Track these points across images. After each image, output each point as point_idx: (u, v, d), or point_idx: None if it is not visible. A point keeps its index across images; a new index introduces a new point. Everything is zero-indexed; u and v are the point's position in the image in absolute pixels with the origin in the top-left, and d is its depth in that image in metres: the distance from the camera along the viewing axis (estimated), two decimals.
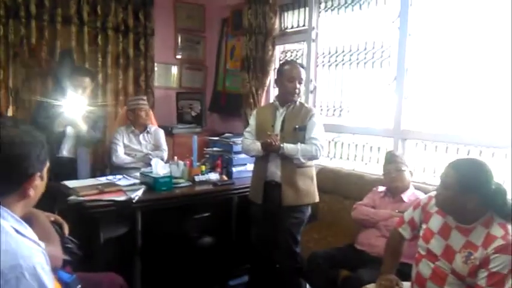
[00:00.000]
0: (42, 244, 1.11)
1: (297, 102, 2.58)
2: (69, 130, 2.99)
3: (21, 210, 1.08)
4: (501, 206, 1.60)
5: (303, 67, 2.60)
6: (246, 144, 2.65)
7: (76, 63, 3.57)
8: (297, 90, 2.52)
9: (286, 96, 2.55)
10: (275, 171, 2.53)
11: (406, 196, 2.39)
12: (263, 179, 2.57)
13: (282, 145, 2.41)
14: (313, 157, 2.50)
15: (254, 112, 2.79)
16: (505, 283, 1.50)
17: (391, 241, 1.99)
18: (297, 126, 2.50)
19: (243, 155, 3.11)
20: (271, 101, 3.84)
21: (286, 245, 2.54)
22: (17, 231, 1.02)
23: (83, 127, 2.92)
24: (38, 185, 1.10)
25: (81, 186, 2.61)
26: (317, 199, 2.63)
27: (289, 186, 2.49)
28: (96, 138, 3.12)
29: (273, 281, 2.66)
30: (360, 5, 3.14)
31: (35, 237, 1.10)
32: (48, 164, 1.14)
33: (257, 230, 2.68)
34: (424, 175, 2.76)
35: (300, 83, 2.53)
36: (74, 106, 2.89)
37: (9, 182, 1.04)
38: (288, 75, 2.51)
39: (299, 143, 2.45)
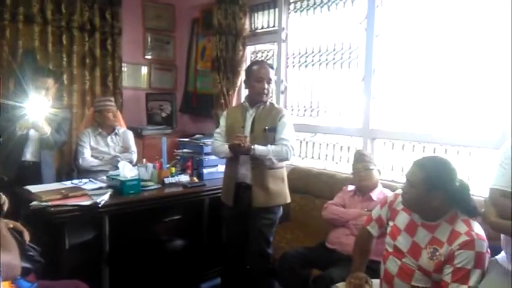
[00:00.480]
0: None
1: (267, 103, 2.57)
2: (32, 133, 2.89)
3: None
4: (465, 202, 1.65)
5: (271, 67, 2.58)
6: (215, 146, 2.60)
7: (39, 64, 3.44)
8: (265, 91, 2.50)
9: (256, 97, 2.53)
10: (246, 173, 2.50)
11: (374, 194, 2.43)
12: (234, 181, 2.54)
13: (252, 147, 2.37)
14: (284, 158, 2.48)
15: (224, 113, 2.74)
16: (469, 278, 1.53)
17: (360, 239, 2.02)
18: (266, 128, 2.47)
19: (213, 157, 3.07)
20: (242, 101, 3.86)
21: (258, 247, 2.52)
22: None
23: (46, 129, 2.82)
24: None
25: (45, 191, 2.52)
26: (288, 200, 2.62)
27: (259, 187, 2.47)
28: (60, 141, 3.03)
29: (245, 283, 2.64)
30: (328, 7, 3.17)
31: None
32: None
33: (229, 232, 2.65)
34: (392, 173, 2.81)
35: (268, 83, 2.51)
36: (37, 108, 2.79)
37: None
38: (256, 76, 2.50)
39: (269, 145, 2.43)
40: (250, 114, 2.55)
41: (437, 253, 1.61)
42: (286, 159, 2.50)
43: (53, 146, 2.99)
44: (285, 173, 2.62)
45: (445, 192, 1.61)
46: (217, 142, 2.59)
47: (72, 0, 3.63)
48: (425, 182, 1.62)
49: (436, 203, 1.62)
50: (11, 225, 1.64)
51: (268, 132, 2.47)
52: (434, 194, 1.61)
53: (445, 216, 1.65)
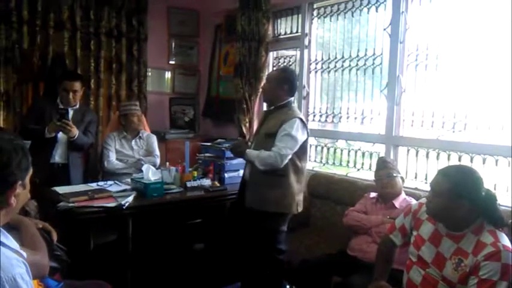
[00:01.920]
0: (24, 253, 1.09)
1: (285, 108, 2.48)
2: (61, 135, 2.97)
3: (3, 219, 1.06)
4: (491, 212, 1.61)
5: (283, 70, 2.78)
6: None
7: (68, 68, 3.55)
8: (262, 89, 2.64)
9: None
10: (247, 172, 2.58)
11: (397, 202, 2.40)
12: (242, 179, 2.65)
13: (246, 151, 2.42)
14: (272, 165, 2.33)
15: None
16: None
17: (382, 247, 1.99)
18: (266, 133, 2.47)
19: (235, 161, 3.11)
20: (264, 106, 3.88)
21: (264, 252, 2.49)
22: None
23: (75, 132, 2.90)
24: (20, 194, 1.08)
25: (72, 192, 2.59)
26: (289, 210, 2.47)
27: (252, 188, 2.49)
28: (87, 143, 3.12)
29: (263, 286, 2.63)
30: (352, 13, 3.16)
31: (16, 246, 1.08)
32: (31, 172, 1.12)
33: (239, 231, 2.67)
34: (416, 181, 2.76)
35: (268, 82, 2.58)
36: (65, 111, 2.88)
37: None
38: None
39: (262, 150, 2.38)
40: (264, 117, 2.62)
41: (462, 264, 1.58)
42: (274, 166, 2.34)
43: (80, 148, 3.08)
44: (287, 182, 2.44)
45: (470, 202, 1.58)
46: None
47: (101, 7, 3.74)
48: (451, 192, 1.59)
49: (461, 213, 1.60)
50: (40, 226, 1.69)
51: (266, 137, 2.44)
52: (459, 203, 1.58)
53: (470, 227, 1.62)
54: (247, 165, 2.60)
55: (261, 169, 2.36)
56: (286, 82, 2.48)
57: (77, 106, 3.09)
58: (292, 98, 2.56)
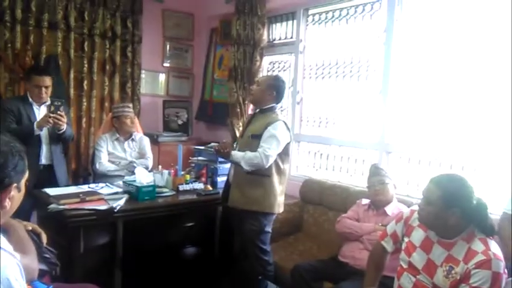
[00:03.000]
0: (17, 255, 1.08)
1: (269, 112, 2.55)
2: (43, 135, 2.91)
3: None
4: (482, 220, 1.63)
5: (273, 76, 2.80)
6: None
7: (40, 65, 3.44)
8: (251, 92, 2.67)
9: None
10: (231, 173, 2.62)
11: (389, 209, 2.41)
12: (227, 180, 2.69)
13: (232, 152, 2.45)
14: (258, 165, 2.40)
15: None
16: None
17: (374, 254, 2.00)
18: (251, 134, 2.53)
19: (228, 165, 3.10)
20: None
21: (249, 251, 2.56)
22: None
23: (64, 125, 2.85)
24: (15, 197, 1.07)
25: (62, 194, 2.57)
26: (271, 210, 2.52)
27: (236, 188, 2.54)
28: (72, 134, 3.12)
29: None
30: (347, 20, 3.18)
31: (9, 248, 1.06)
32: (27, 175, 1.12)
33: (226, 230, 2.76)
34: (408, 188, 2.78)
35: (257, 85, 2.63)
36: (61, 103, 2.82)
37: None
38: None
39: (248, 151, 2.43)
40: (249, 120, 2.68)
41: (453, 271, 1.59)
42: (261, 166, 2.40)
43: (67, 141, 3.06)
44: (270, 182, 2.50)
45: (462, 210, 1.59)
46: None
47: (95, 8, 3.72)
48: (442, 200, 1.60)
49: (453, 221, 1.61)
50: (30, 228, 1.66)
51: (251, 138, 2.51)
52: (451, 211, 1.59)
53: (462, 234, 1.63)
54: (231, 166, 2.66)
55: (247, 169, 2.41)
56: (275, 89, 2.57)
57: (48, 101, 2.96)
58: (276, 105, 2.63)
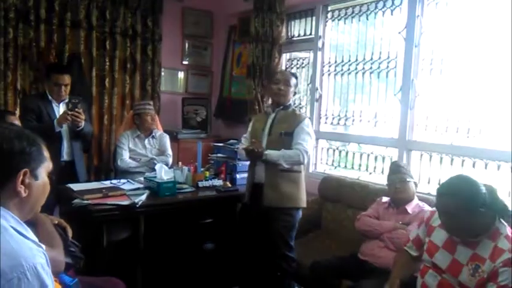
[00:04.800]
0: (43, 245, 1.11)
1: (290, 109, 2.63)
2: (64, 132, 2.96)
3: (19, 211, 1.04)
4: (497, 204, 1.61)
5: (294, 75, 2.70)
6: (239, 149, 2.78)
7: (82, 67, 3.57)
8: (281, 92, 2.57)
9: (273, 98, 2.67)
10: (261, 174, 2.59)
11: (410, 207, 2.38)
12: (251, 181, 2.66)
13: (265, 152, 2.44)
14: (297, 162, 2.49)
15: (252, 118, 2.89)
16: None
17: (398, 260, 1.98)
18: (282, 132, 2.53)
19: (247, 162, 3.11)
20: None
21: (278, 249, 2.55)
22: (17, 231, 1.01)
23: (82, 121, 2.90)
24: (33, 185, 1.06)
25: (86, 189, 2.62)
26: (303, 204, 2.61)
27: (270, 187, 2.53)
28: (91, 131, 3.16)
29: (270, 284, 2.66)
30: (367, 16, 3.15)
31: (35, 238, 1.09)
32: (46, 165, 1.12)
33: (248, 232, 2.70)
34: (429, 186, 2.74)
35: (286, 85, 2.58)
36: (78, 101, 2.88)
37: None
38: (274, 79, 2.66)
39: (283, 149, 2.46)
40: (271, 118, 2.63)
41: (480, 270, 1.58)
42: (300, 163, 2.51)
43: (86, 137, 3.09)
44: (301, 177, 2.61)
45: (482, 207, 1.57)
46: (241, 145, 2.76)
47: (117, 7, 3.78)
48: (465, 207, 1.57)
49: (480, 220, 1.59)
50: (56, 222, 1.71)
51: (284, 136, 2.53)
52: (479, 213, 1.57)
53: (486, 233, 1.61)
54: (256, 167, 2.62)
55: (285, 167, 2.45)
56: (296, 87, 2.69)
57: (66, 99, 3.01)
58: None
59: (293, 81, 2.62)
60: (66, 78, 2.98)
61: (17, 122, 2.56)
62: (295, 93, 2.72)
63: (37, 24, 3.45)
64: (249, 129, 2.78)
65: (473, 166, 2.52)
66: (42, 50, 3.48)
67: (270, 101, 2.81)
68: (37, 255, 0.99)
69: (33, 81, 3.49)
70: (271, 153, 2.45)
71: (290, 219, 2.56)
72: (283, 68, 3.79)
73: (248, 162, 2.82)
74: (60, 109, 3.00)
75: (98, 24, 3.72)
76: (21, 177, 1.02)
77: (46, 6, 3.47)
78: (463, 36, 2.58)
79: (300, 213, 2.63)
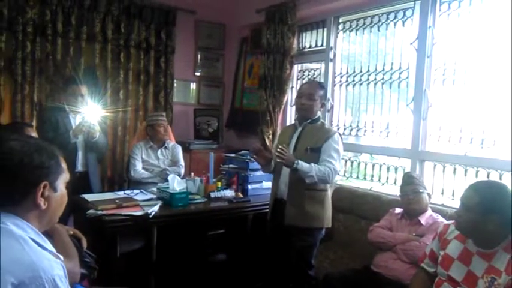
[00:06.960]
0: (61, 257, 1.12)
1: (319, 122, 2.53)
2: (79, 143, 3.02)
3: (38, 223, 1.07)
4: None
5: (321, 85, 2.59)
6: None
7: (71, 74, 3.56)
8: (304, 106, 2.46)
9: (297, 112, 2.60)
10: (284, 189, 2.51)
11: (423, 219, 2.36)
12: (274, 196, 2.60)
13: (296, 161, 2.31)
14: (326, 180, 2.37)
15: (279, 131, 2.81)
16: None
17: (415, 281, 1.95)
18: (309, 147, 2.43)
19: (259, 173, 3.13)
20: (288, 119, 3.90)
21: (297, 267, 2.50)
22: (36, 243, 1.03)
23: (97, 133, 2.95)
24: (52, 197, 1.08)
25: (100, 200, 2.65)
26: (327, 225, 2.53)
27: (293, 205, 2.45)
28: (105, 142, 3.20)
29: None
30: (378, 27, 3.16)
31: (53, 249, 1.11)
32: (64, 176, 1.14)
33: (268, 247, 2.66)
34: (443, 198, 2.71)
35: (309, 99, 2.46)
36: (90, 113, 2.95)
37: (12, 191, 1.03)
38: (298, 92, 2.57)
39: (313, 164, 2.35)
40: (298, 132, 2.55)
41: (496, 283, 1.56)
42: (327, 182, 2.40)
43: (100, 148, 3.14)
44: (326, 197, 2.52)
45: (500, 218, 1.57)
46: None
47: (131, 20, 3.86)
48: (480, 207, 1.58)
49: (491, 229, 1.58)
50: (71, 232, 1.74)
51: (310, 152, 2.42)
52: (489, 218, 1.57)
53: (501, 244, 1.59)
54: (279, 181, 2.53)
55: (311, 182, 2.33)
56: (324, 98, 2.58)
57: (82, 111, 3.04)
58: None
59: (319, 93, 2.49)
60: (83, 89, 3.06)
61: (34, 134, 2.62)
62: (323, 105, 2.58)
63: (54, 38, 3.53)
64: (275, 142, 2.70)
65: (488, 177, 2.48)
66: (58, 63, 3.56)
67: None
68: (55, 267, 1.00)
69: (49, 93, 3.56)
70: (302, 163, 2.32)
71: (311, 239, 2.48)
72: (295, 78, 3.81)
73: (263, 174, 2.79)
74: (76, 120, 3.05)
75: (113, 38, 3.79)
76: (41, 190, 1.05)
77: (63, 20, 3.55)
78: (475, 46, 2.57)
79: (323, 232, 2.55)
